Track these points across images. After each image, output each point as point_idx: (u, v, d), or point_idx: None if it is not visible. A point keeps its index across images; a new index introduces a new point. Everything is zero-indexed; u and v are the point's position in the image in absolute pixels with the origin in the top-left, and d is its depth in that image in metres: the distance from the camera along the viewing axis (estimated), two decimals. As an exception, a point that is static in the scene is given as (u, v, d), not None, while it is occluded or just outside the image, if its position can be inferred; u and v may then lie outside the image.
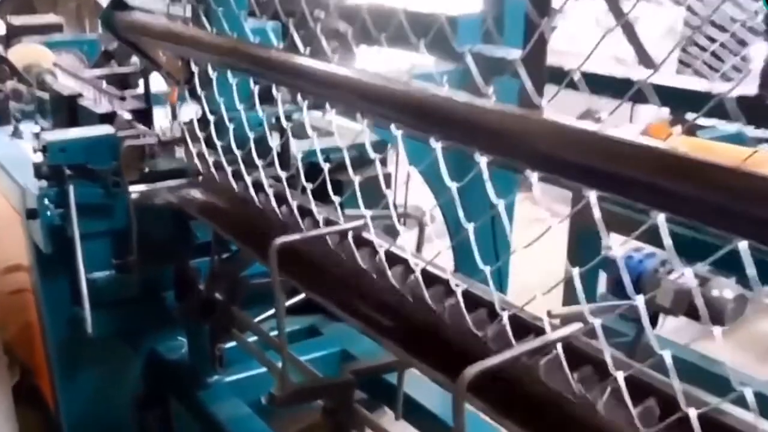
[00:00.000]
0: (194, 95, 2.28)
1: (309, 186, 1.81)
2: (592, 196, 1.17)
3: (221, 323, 2.35)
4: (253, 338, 2.41)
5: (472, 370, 1.18)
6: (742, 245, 0.98)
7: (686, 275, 1.28)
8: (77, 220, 2.33)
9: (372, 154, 1.68)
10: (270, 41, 1.97)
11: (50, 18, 3.87)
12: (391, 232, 1.75)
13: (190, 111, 2.43)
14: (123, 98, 2.76)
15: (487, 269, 1.39)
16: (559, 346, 1.26)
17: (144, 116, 2.68)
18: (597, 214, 1.18)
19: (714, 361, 2.79)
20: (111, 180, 2.39)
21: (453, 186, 1.43)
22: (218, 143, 2.14)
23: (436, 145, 1.44)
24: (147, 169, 2.46)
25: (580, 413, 1.23)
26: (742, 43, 4.01)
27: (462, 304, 1.43)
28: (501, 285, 3.74)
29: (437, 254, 1.49)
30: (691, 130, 3.01)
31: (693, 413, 1.07)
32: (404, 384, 2.04)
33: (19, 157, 2.74)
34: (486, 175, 1.37)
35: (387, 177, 2.98)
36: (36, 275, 2.62)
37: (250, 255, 2.04)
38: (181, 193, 2.39)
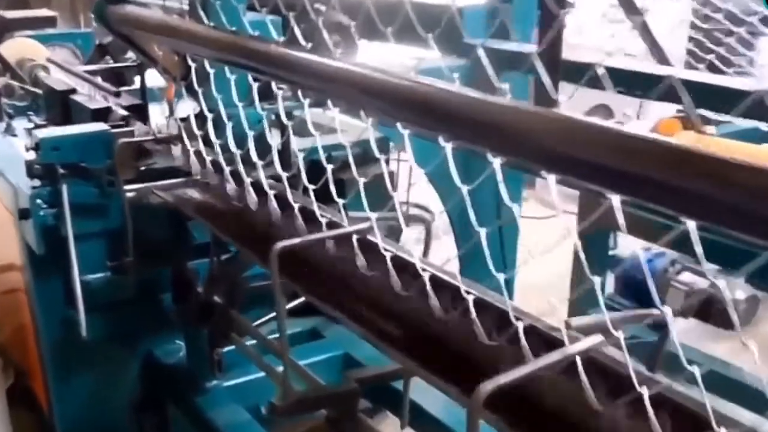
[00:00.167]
0: (191, 92, 2.21)
1: (311, 187, 1.73)
2: (616, 200, 1.09)
3: (220, 327, 2.27)
4: (252, 342, 2.34)
5: (489, 386, 1.11)
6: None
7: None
8: (71, 221, 2.29)
9: (377, 153, 1.61)
10: (270, 35, 1.89)
11: (44, 12, 3.79)
12: (395, 231, 1.68)
13: (186, 108, 2.36)
14: (118, 94, 2.69)
15: (501, 277, 1.32)
16: (579, 360, 1.18)
17: (140, 113, 2.61)
18: (621, 219, 1.10)
19: (738, 369, 2.72)
20: (105, 179, 2.34)
21: (464, 189, 1.36)
22: (216, 141, 2.06)
23: (446, 145, 1.37)
24: (143, 168, 2.38)
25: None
26: (755, 35, 3.93)
27: (473, 313, 1.36)
28: (509, 287, 3.69)
29: (447, 261, 1.42)
30: (704, 126, 2.93)
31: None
32: (410, 391, 1.97)
33: (11, 155, 2.67)
34: (500, 176, 1.29)
35: (390, 176, 2.95)
36: (29, 277, 2.56)
37: (250, 258, 1.96)
38: (178, 192, 2.31)
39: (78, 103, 2.64)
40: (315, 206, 1.76)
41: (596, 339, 1.21)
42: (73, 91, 2.76)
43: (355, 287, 1.61)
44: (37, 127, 2.59)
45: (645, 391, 1.10)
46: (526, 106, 1.19)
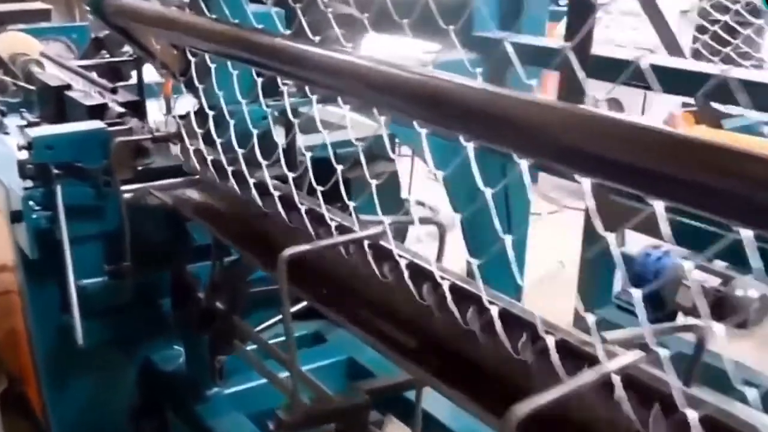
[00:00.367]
0: (191, 88, 2.12)
1: (320, 189, 1.64)
2: (659, 206, 1.00)
3: (222, 334, 2.18)
4: (252, 346, 2.25)
5: (524, 408, 1.01)
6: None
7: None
8: (66, 223, 2.20)
9: (389, 151, 1.52)
10: (275, 28, 1.80)
11: (37, 4, 3.70)
12: (400, 231, 1.60)
13: (186, 104, 2.27)
14: (114, 90, 2.60)
15: (521, 281, 1.23)
16: (617, 378, 1.09)
17: (137, 109, 2.52)
18: (666, 227, 1.01)
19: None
20: (102, 179, 2.26)
21: (488, 192, 1.26)
22: (218, 140, 1.97)
23: (468, 145, 1.28)
24: (140, 168, 2.30)
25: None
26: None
27: (498, 325, 1.26)
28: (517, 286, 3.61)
29: (468, 272, 1.32)
30: (717, 120, 2.86)
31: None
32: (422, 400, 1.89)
33: (2, 154, 2.58)
34: (528, 179, 1.21)
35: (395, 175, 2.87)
36: (22, 281, 2.48)
37: (254, 263, 1.87)
38: (177, 192, 2.24)
39: (73, 99, 2.56)
40: (324, 209, 1.67)
41: (635, 355, 1.11)
42: (68, 86, 2.69)
43: (368, 296, 1.52)
44: (30, 124, 2.51)
45: (692, 414, 1.01)
46: (559, 103, 1.10)
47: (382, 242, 1.56)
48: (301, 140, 1.90)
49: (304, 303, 2.21)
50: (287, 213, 1.80)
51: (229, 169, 1.96)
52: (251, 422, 2.37)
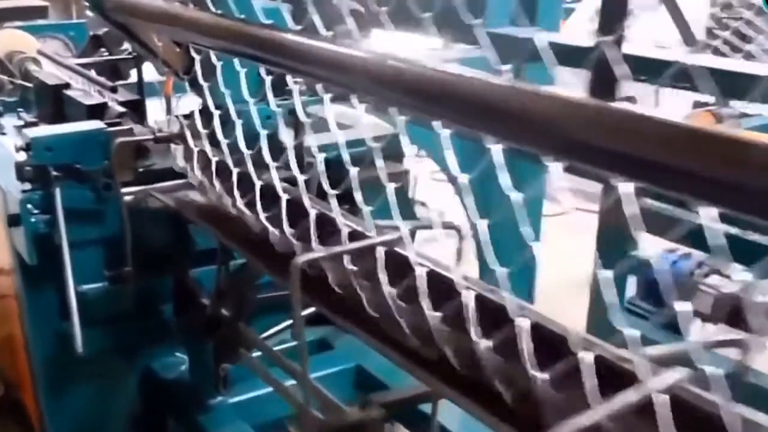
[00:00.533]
0: (195, 86, 2.04)
1: (333, 192, 1.55)
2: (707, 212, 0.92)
3: (227, 341, 2.10)
4: (257, 353, 2.17)
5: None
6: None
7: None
8: (65, 227, 2.13)
9: (406, 151, 1.45)
10: (285, 24, 1.71)
11: (34, 1, 3.63)
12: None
13: (189, 103, 2.20)
14: (114, 89, 2.52)
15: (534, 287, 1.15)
16: (663, 399, 1.01)
17: (137, 109, 2.45)
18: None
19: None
20: (102, 182, 2.19)
21: (519, 197, 1.19)
22: (223, 141, 1.89)
23: (496, 147, 1.20)
24: (141, 169, 2.25)
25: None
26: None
27: (525, 340, 1.18)
28: (529, 289, 3.55)
29: (497, 283, 1.24)
30: (736, 119, 2.80)
31: None
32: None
33: (0, 156, 2.49)
34: (557, 182, 1.13)
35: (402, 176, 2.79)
36: (20, 287, 2.41)
37: (261, 270, 1.79)
38: (180, 195, 2.18)
39: (72, 98, 2.48)
40: (338, 215, 1.58)
41: (680, 373, 1.04)
42: (67, 85, 2.61)
43: (384, 306, 1.43)
44: (28, 124, 2.44)
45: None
46: (591, 100, 1.02)
47: (398, 249, 1.48)
48: (309, 141, 1.82)
49: (311, 309, 2.15)
50: (295, 216, 1.72)
51: (235, 171, 1.88)
52: (256, 432, 2.30)
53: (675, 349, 1.10)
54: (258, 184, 1.76)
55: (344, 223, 1.55)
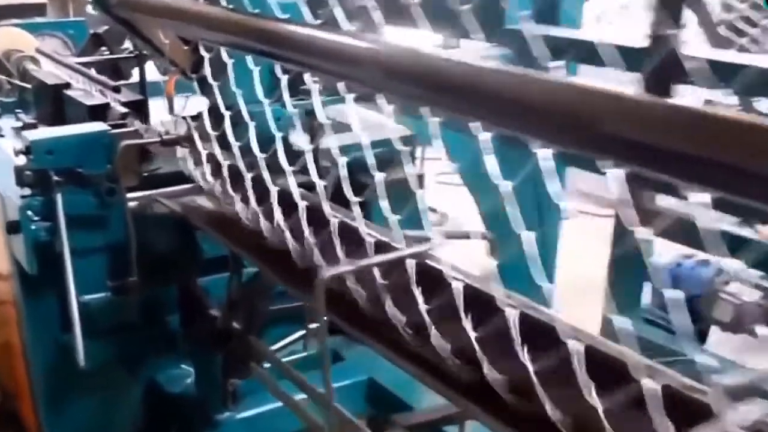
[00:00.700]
0: (204, 86, 1.94)
1: (356, 200, 1.45)
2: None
3: (237, 355, 2.01)
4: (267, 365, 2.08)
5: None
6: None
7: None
8: (67, 235, 2.07)
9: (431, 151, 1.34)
10: (302, 19, 1.61)
11: (32, -1, 3.57)
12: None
13: (196, 104, 2.10)
14: (117, 89, 2.44)
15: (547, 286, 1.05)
16: (740, 433, 0.91)
17: (139, 109, 2.36)
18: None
19: None
20: (105, 186, 2.13)
21: (565, 206, 1.08)
22: (234, 143, 1.79)
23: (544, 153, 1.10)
24: (146, 173, 2.18)
25: None
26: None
27: (583, 365, 1.08)
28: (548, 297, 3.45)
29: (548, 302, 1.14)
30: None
31: None
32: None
33: (-3, 159, 2.42)
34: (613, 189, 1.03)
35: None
36: (19, 296, 2.35)
37: (274, 281, 1.69)
38: (186, 200, 2.10)
39: (72, 98, 2.42)
40: (360, 221, 1.48)
41: (759, 407, 0.93)
42: (67, 85, 2.55)
43: (414, 322, 1.33)
44: (27, 126, 2.36)
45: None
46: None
47: (428, 261, 1.38)
48: (330, 143, 1.72)
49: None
50: (313, 224, 1.62)
51: (248, 176, 1.78)
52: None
53: (748, 378, 1.00)
54: (274, 190, 1.66)
55: (367, 232, 1.44)
